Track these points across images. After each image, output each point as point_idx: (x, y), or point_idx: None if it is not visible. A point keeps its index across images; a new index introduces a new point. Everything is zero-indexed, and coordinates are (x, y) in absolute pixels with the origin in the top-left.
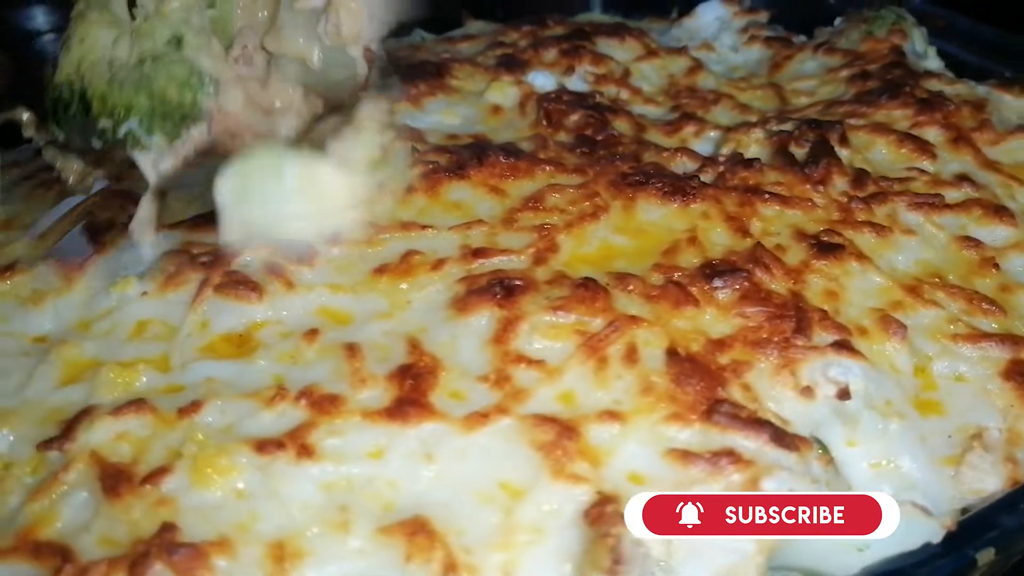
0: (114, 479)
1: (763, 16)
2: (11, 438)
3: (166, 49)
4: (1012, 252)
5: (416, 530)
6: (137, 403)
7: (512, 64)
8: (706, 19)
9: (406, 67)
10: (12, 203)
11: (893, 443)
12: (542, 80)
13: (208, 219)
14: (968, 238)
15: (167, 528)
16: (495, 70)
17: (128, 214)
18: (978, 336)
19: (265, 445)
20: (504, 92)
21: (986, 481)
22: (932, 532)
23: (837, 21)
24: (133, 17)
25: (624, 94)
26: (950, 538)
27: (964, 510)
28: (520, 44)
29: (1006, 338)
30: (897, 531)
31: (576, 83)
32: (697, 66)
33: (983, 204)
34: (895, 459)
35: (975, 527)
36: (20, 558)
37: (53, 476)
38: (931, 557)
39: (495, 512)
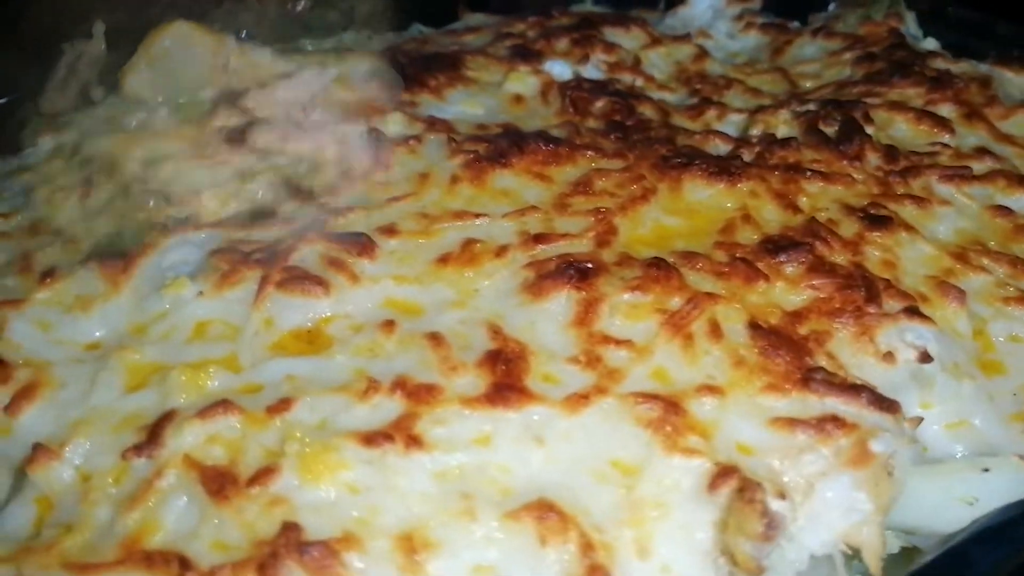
0: (217, 482)
1: (756, 3)
2: (87, 447)
3: None
4: None
5: (544, 512)
6: (224, 404)
7: (527, 54)
8: (700, 7)
9: (419, 59)
10: (34, 208)
11: (966, 403)
12: (560, 69)
13: (251, 217)
14: (999, 207)
15: (290, 527)
16: (510, 60)
17: (165, 214)
18: None
19: (373, 438)
20: (524, 82)
21: None
22: None
23: (831, 6)
24: None
25: (639, 81)
26: None
27: None
28: (529, 35)
29: None
30: (1002, 483)
31: (591, 71)
32: (703, 53)
33: (1006, 175)
34: (969, 419)
35: None
36: (134, 569)
37: (146, 484)
38: None
39: (615, 490)
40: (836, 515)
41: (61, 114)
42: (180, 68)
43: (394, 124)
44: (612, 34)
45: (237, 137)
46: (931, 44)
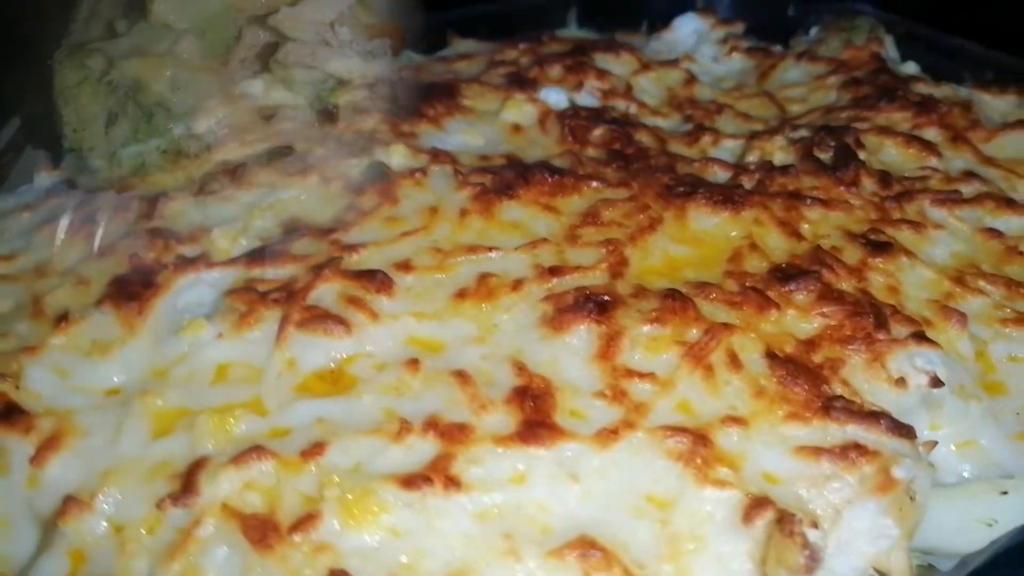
0: (259, 531)
1: (739, 27)
2: (118, 497)
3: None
4: None
5: (587, 550)
6: (257, 450)
7: (521, 82)
8: (684, 32)
9: (416, 88)
10: (37, 248)
11: (973, 424)
12: (555, 97)
13: (262, 253)
14: (990, 229)
15: (338, 574)
16: (506, 88)
17: (175, 254)
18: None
19: (412, 480)
20: (520, 110)
21: None
22: None
23: (813, 31)
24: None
25: (633, 108)
26: None
27: None
28: (522, 62)
29: None
30: (1020, 505)
31: (586, 99)
32: (692, 78)
33: (993, 197)
34: (976, 439)
35: None
36: None
37: (184, 534)
38: None
39: (651, 524)
40: (864, 541)
41: (87, 44)
42: None
43: (398, 156)
44: (603, 60)
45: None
46: (911, 68)
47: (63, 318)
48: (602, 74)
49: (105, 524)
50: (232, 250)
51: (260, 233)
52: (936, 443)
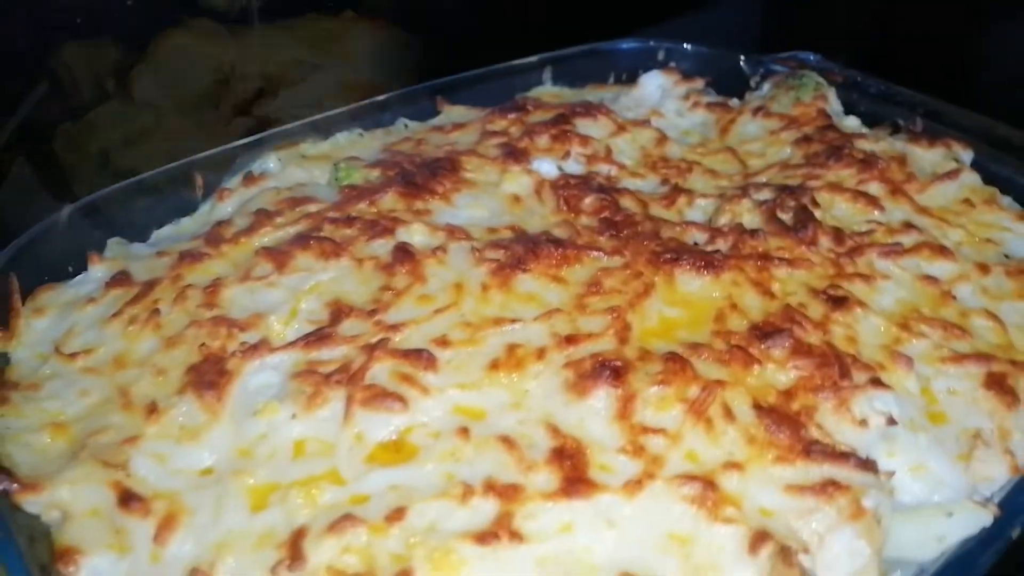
0: None
1: (700, 83)
2: (234, 566)
3: None
4: (959, 283)
5: None
6: (349, 518)
7: (515, 153)
8: (649, 88)
9: (424, 165)
10: (110, 341)
11: (922, 452)
12: (547, 167)
13: (317, 336)
14: (927, 276)
15: None
16: (503, 160)
17: (238, 341)
18: (958, 357)
19: (484, 537)
20: (518, 181)
21: (993, 471)
22: (985, 519)
23: (766, 87)
24: None
25: (614, 171)
26: (997, 520)
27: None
28: (512, 132)
29: (979, 356)
30: (963, 523)
31: (572, 166)
32: (663, 137)
33: (929, 246)
34: (926, 463)
35: (1010, 509)
36: None
37: None
38: (989, 537)
39: (676, 558)
40: (844, 561)
41: None
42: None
43: (419, 235)
44: (583, 125)
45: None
46: (852, 122)
47: (153, 409)
48: (584, 140)
49: None
50: (287, 334)
51: (308, 316)
52: (894, 472)
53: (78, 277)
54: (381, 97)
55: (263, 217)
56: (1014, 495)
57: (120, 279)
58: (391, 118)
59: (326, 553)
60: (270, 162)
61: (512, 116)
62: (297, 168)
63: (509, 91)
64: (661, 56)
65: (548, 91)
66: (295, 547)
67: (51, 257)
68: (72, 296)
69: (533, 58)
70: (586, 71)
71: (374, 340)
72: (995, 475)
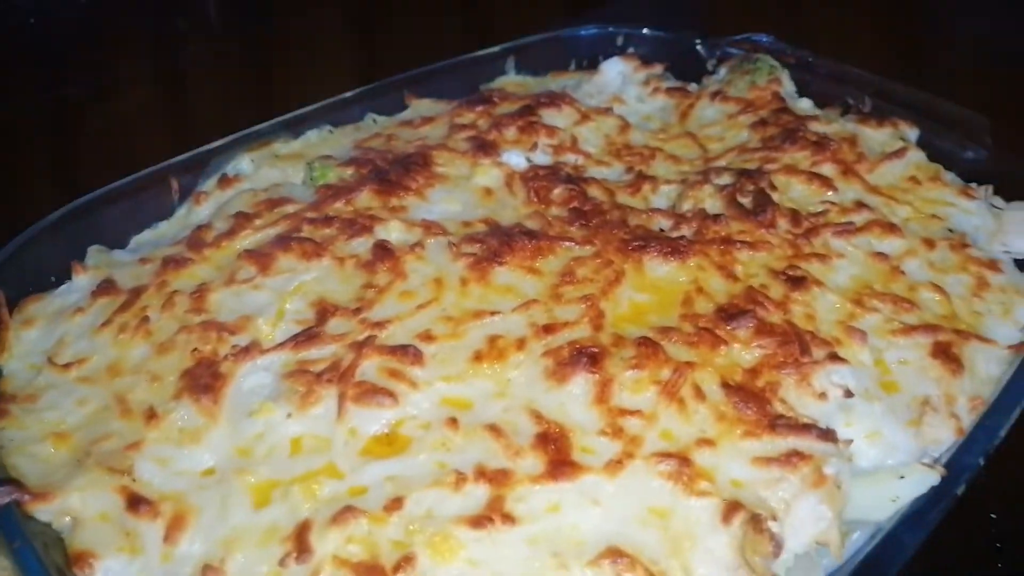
0: (370, 575)
1: (659, 69)
2: (243, 561)
3: None
4: (907, 258)
5: (616, 557)
6: (350, 509)
7: (484, 146)
8: (610, 75)
9: (397, 161)
10: (103, 350)
11: (877, 419)
12: (516, 159)
13: (305, 335)
14: (878, 253)
15: None
16: (473, 154)
17: (229, 344)
18: (908, 329)
19: (479, 521)
20: (488, 174)
21: (941, 434)
22: (933, 479)
23: (722, 71)
24: None
25: (580, 159)
26: (944, 480)
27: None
28: (480, 125)
29: (927, 327)
30: (914, 485)
31: (540, 157)
32: (625, 124)
33: (879, 223)
34: (880, 430)
35: (955, 469)
36: None
37: None
38: (938, 496)
39: (656, 530)
40: (809, 525)
41: None
42: None
43: (396, 232)
44: (548, 115)
45: None
46: (805, 104)
47: (151, 414)
48: (551, 130)
49: None
50: (275, 335)
51: (295, 316)
52: (852, 440)
53: (62, 287)
54: (349, 93)
55: (242, 220)
56: (959, 456)
57: (106, 288)
58: (359, 113)
59: (331, 544)
60: (243, 163)
61: (479, 109)
62: (271, 168)
63: (473, 81)
64: (620, 41)
65: (512, 80)
66: (301, 540)
67: (33, 268)
68: (59, 306)
69: (495, 48)
70: (547, 59)
71: (361, 338)
72: (942, 438)
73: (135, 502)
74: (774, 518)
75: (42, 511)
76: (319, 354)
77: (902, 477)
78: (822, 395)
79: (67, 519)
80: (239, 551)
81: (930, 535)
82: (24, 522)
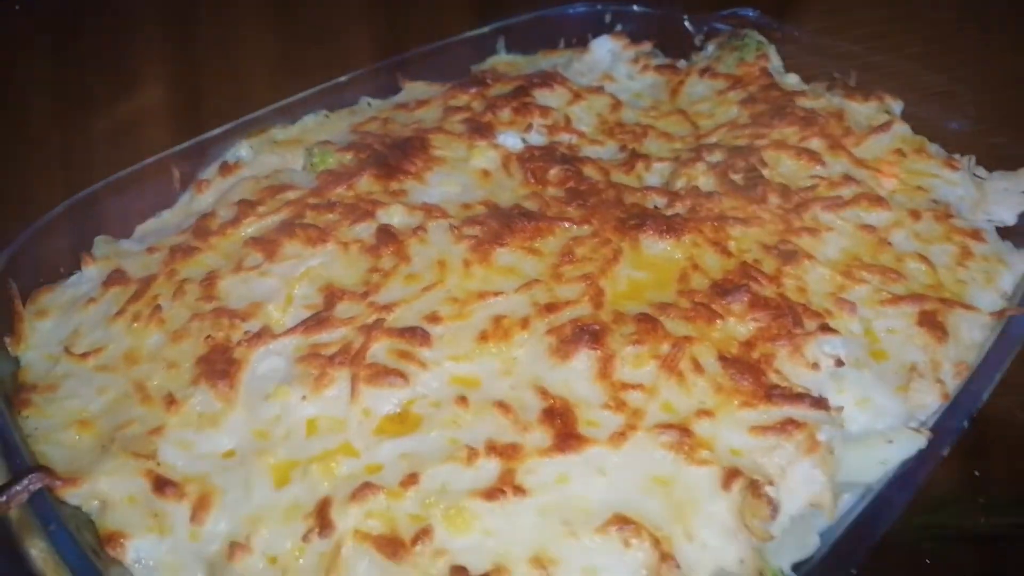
0: (390, 547)
1: (648, 46)
2: (267, 537)
3: None
4: (894, 229)
5: (622, 524)
6: (369, 486)
7: (480, 128)
8: (600, 53)
9: (395, 145)
10: (118, 339)
11: (867, 386)
12: (512, 141)
13: (315, 320)
14: (865, 225)
15: (458, 569)
16: (469, 136)
17: (241, 330)
18: (895, 299)
19: (492, 493)
20: (485, 156)
21: (927, 399)
22: (921, 442)
23: (710, 48)
24: None
25: (574, 139)
26: (931, 443)
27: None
28: (475, 107)
29: (913, 297)
30: (902, 448)
31: (535, 137)
32: (617, 103)
33: (867, 196)
34: (870, 397)
35: (941, 431)
36: None
37: (331, 557)
38: (924, 458)
39: (659, 498)
40: (803, 488)
41: None
42: None
43: (398, 216)
44: (541, 96)
45: None
46: (792, 79)
47: (171, 400)
48: (544, 111)
49: (262, 558)
50: (285, 320)
51: (303, 301)
52: (843, 408)
53: (72, 277)
54: (343, 78)
55: (246, 207)
56: (944, 419)
57: (116, 278)
58: (353, 97)
59: (351, 519)
60: (242, 150)
61: (473, 91)
62: (270, 154)
63: (464, 62)
64: (608, 19)
65: (503, 60)
66: (323, 516)
67: (42, 259)
68: (71, 296)
69: (485, 28)
70: (537, 37)
71: (370, 321)
72: (928, 403)
73: (161, 484)
74: (771, 483)
75: (72, 495)
76: (329, 338)
77: (891, 441)
78: (815, 365)
79: (95, 502)
80: (264, 528)
81: (913, 496)
82: (57, 506)
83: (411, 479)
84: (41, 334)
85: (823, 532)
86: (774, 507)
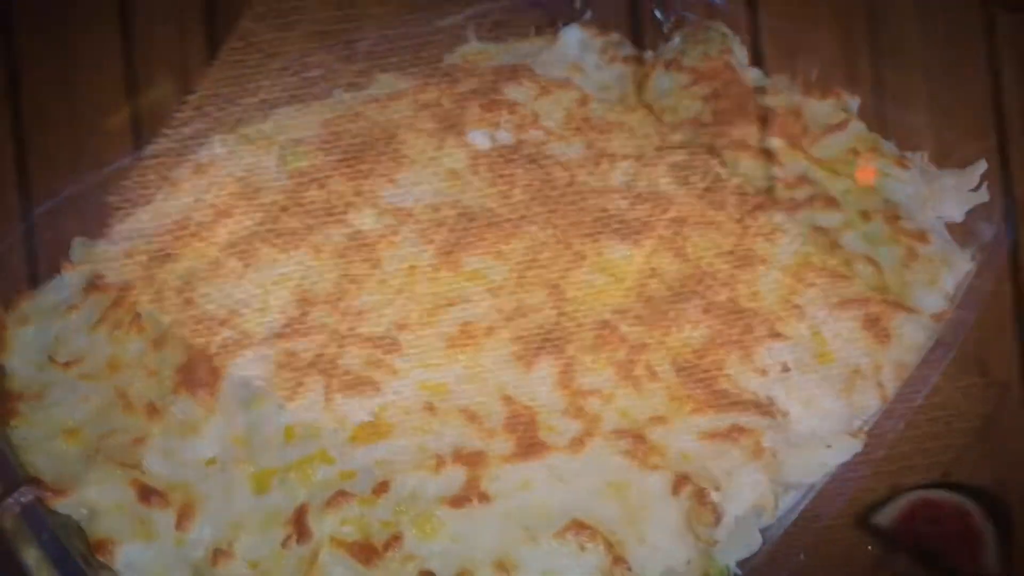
0: (364, 553)
1: (616, 37)
2: (248, 543)
3: None
4: (844, 231)
5: (579, 529)
6: (342, 494)
7: (449, 126)
8: (570, 43)
9: (364, 143)
10: (100, 347)
11: (813, 388)
12: (480, 139)
13: (290, 328)
14: (818, 227)
15: (426, 573)
16: (438, 134)
17: (220, 337)
18: (843, 303)
19: (458, 500)
20: (454, 156)
21: (869, 402)
22: (857, 446)
23: (676, 40)
24: None
25: (541, 135)
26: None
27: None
28: (444, 103)
29: (860, 300)
30: (840, 452)
31: (503, 136)
32: (584, 97)
33: (822, 197)
34: (815, 398)
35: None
36: None
37: (308, 562)
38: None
39: (615, 503)
40: (748, 492)
41: None
42: None
43: (369, 219)
44: (508, 90)
45: None
46: (755, 74)
47: (152, 409)
48: (512, 107)
49: (244, 564)
50: (262, 327)
51: (279, 308)
52: (789, 412)
53: (52, 282)
54: (315, 72)
55: (221, 211)
56: (881, 420)
57: (95, 284)
58: (326, 90)
59: (327, 526)
60: (216, 147)
61: (443, 86)
62: (243, 151)
63: (436, 50)
64: (578, 4)
65: (474, 49)
66: (300, 523)
67: (19, 264)
68: (51, 302)
69: (458, 16)
70: (507, 25)
71: (343, 328)
72: (870, 404)
73: (146, 493)
74: (717, 488)
75: (62, 506)
76: (304, 346)
77: (829, 446)
78: (763, 371)
79: (84, 511)
80: (245, 534)
81: (854, 494)
82: (47, 515)
83: (383, 486)
84: (23, 341)
85: (764, 528)
86: (718, 515)
